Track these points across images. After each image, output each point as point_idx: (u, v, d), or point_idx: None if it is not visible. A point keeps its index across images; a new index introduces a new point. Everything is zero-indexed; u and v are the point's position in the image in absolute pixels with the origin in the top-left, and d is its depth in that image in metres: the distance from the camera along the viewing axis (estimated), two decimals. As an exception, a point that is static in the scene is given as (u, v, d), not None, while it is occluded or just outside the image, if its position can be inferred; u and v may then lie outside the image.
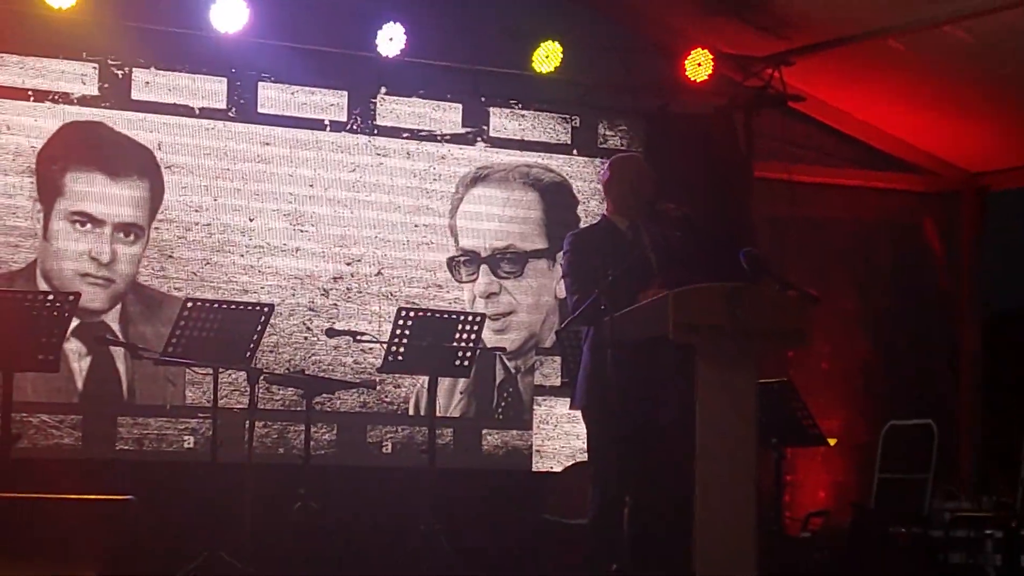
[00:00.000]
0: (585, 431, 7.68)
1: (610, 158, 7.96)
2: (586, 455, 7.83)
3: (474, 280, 10.67)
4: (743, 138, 11.53)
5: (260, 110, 10.20)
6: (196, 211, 9.98)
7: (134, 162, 9.86)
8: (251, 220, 10.11)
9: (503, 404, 10.72)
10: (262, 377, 8.99)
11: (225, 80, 10.13)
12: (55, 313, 8.01)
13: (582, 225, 10.31)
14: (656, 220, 7.48)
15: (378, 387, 10.22)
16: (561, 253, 7.72)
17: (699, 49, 10.87)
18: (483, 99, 10.83)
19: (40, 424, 9.51)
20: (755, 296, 7.05)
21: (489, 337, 10.26)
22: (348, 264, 10.34)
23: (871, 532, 9.75)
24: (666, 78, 11.01)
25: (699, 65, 10.86)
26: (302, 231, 10.23)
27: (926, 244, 12.74)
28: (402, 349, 8.79)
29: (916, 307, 12.55)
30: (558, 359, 10.69)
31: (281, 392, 9.96)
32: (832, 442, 10.67)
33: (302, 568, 8.57)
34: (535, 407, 10.78)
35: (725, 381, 6.98)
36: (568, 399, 9.90)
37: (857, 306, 12.37)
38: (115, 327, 9.72)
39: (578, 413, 7.79)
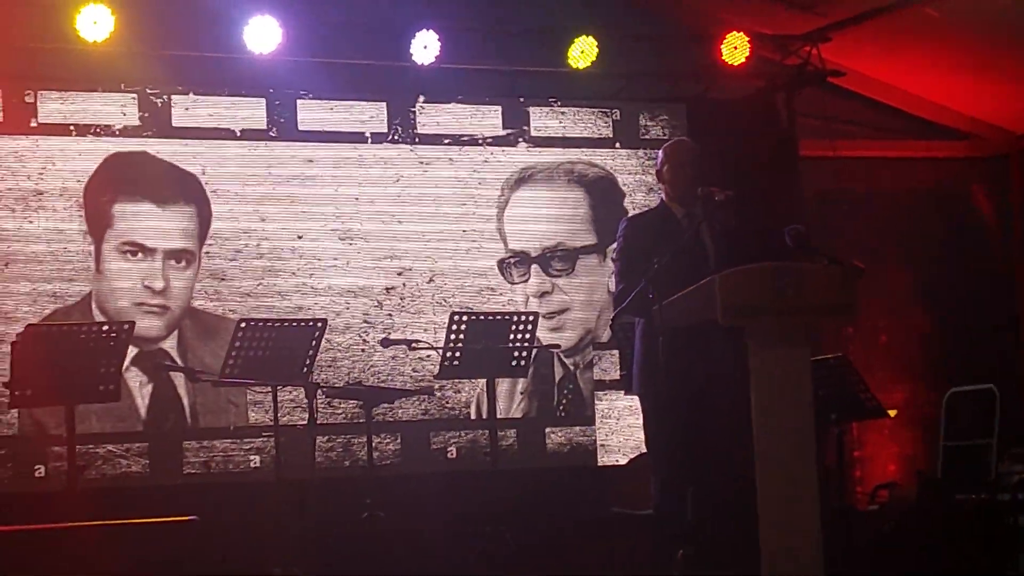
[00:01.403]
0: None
1: (662, 146, 7.95)
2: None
3: (526, 280, 10.69)
4: (785, 118, 11.51)
5: (300, 127, 10.26)
6: (245, 233, 10.05)
7: (180, 188, 9.95)
8: (300, 237, 10.17)
9: (564, 401, 10.73)
10: (322, 391, 9.05)
11: (264, 100, 10.20)
12: (111, 343, 8.07)
13: (631, 217, 10.31)
14: (702, 204, 7.47)
15: (438, 393, 10.26)
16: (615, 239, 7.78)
17: (734, 32, 10.84)
18: (522, 99, 10.85)
19: (107, 454, 9.60)
20: (802, 273, 7.03)
21: (545, 336, 10.28)
22: (399, 274, 10.38)
23: (937, 501, 9.70)
24: (704, 64, 10.99)
25: (735, 48, 10.84)
26: (351, 244, 10.28)
27: (976, 209, 12.68)
28: (458, 354, 8.81)
29: (970, 273, 12.46)
30: (616, 353, 10.71)
31: (343, 405, 10.01)
32: (892, 413, 10.63)
33: (373, 577, 8.63)
34: (596, 402, 10.78)
35: (778, 360, 6.95)
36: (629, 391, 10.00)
37: (911, 277, 12.30)
38: (174, 353, 9.80)
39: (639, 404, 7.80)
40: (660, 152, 7.79)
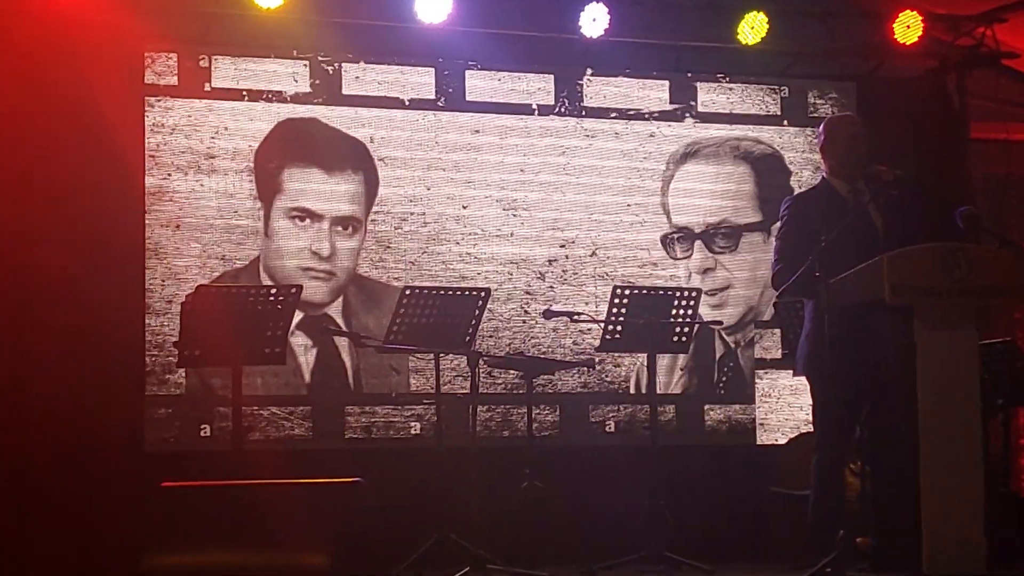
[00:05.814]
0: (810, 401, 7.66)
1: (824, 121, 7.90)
2: (810, 426, 7.81)
3: (689, 256, 10.65)
4: (957, 99, 11.32)
5: (468, 98, 10.30)
6: (411, 201, 10.13)
7: (348, 156, 10.04)
8: (465, 208, 10.22)
9: (724, 379, 10.67)
10: (483, 360, 9.10)
11: (433, 70, 10.26)
12: (279, 307, 8.17)
13: (796, 195, 10.21)
14: (870, 182, 7.41)
15: (598, 366, 10.27)
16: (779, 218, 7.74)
17: (908, 11, 10.69)
18: (689, 74, 10.80)
19: (271, 416, 9.74)
20: (972, 255, 6.96)
21: (707, 312, 10.23)
22: (562, 246, 10.39)
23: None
24: (875, 42, 10.85)
25: (908, 27, 10.68)
26: (515, 216, 10.31)
27: None
28: (619, 327, 8.83)
29: None
30: (778, 331, 10.61)
31: (503, 376, 10.06)
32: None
33: (530, 546, 8.66)
34: (757, 380, 10.71)
35: (945, 342, 6.91)
36: (790, 371, 9.94)
37: (1083, 261, 12.06)
38: (338, 319, 9.91)
39: (801, 385, 7.76)
40: (821, 127, 7.75)
